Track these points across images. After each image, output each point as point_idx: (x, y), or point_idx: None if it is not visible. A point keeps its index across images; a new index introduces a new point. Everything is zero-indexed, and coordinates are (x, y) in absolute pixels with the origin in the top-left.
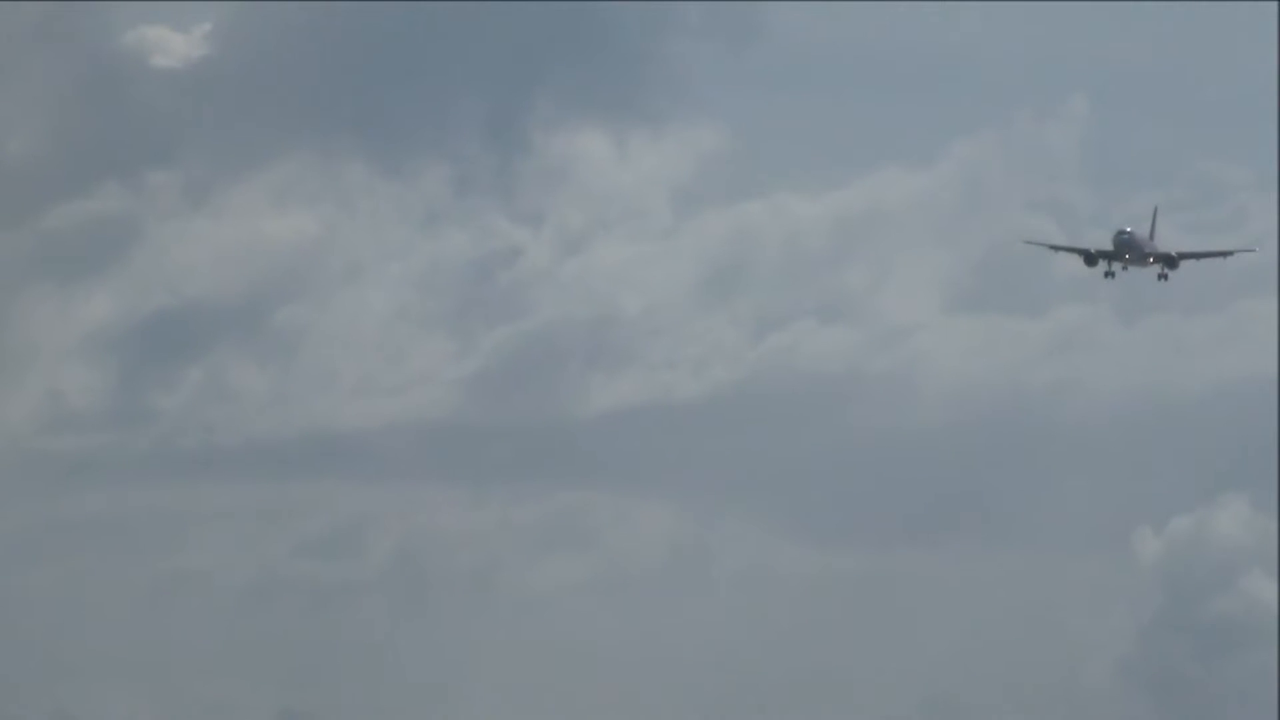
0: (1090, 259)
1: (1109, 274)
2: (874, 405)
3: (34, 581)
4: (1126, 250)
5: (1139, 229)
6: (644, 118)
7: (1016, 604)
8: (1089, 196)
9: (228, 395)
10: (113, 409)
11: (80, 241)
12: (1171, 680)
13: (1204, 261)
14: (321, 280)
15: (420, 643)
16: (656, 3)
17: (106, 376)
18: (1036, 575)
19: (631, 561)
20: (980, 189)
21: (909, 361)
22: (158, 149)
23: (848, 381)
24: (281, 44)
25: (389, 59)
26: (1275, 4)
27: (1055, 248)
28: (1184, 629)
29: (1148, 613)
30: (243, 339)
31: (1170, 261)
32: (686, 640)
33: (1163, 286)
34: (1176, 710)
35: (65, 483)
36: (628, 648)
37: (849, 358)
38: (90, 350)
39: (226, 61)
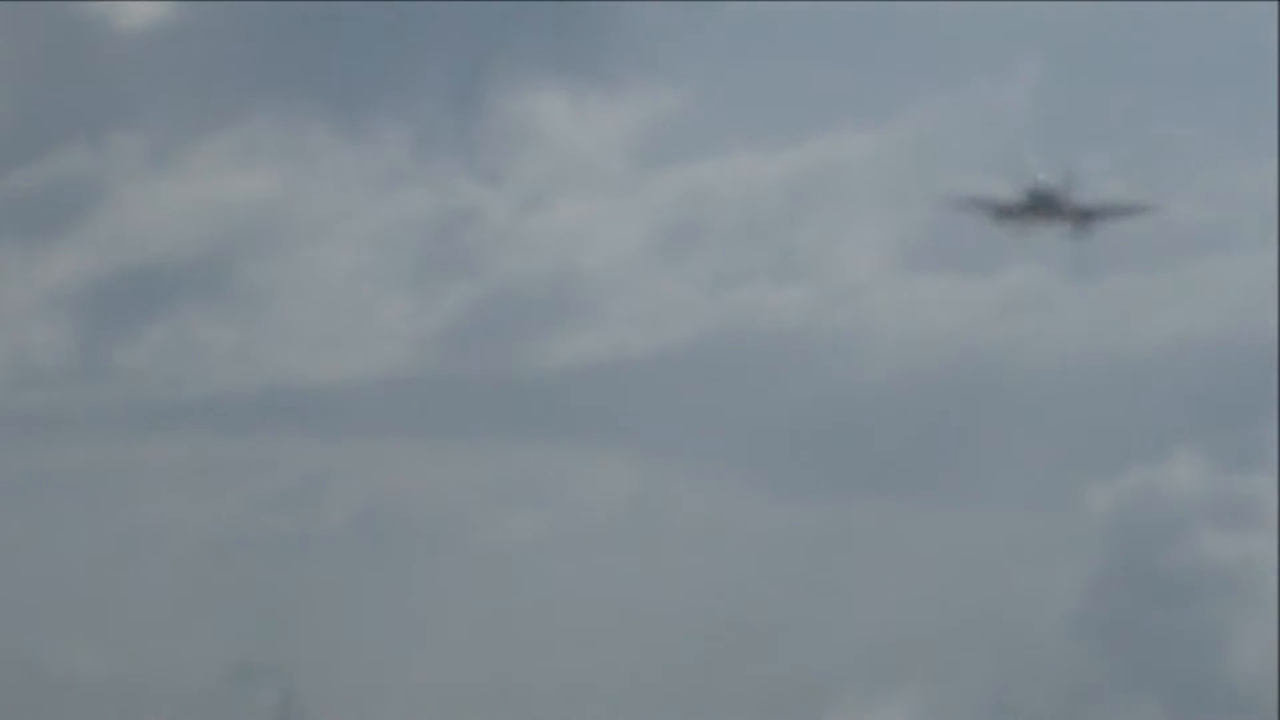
0: (1001, 214)
1: (1021, 230)
2: (830, 362)
3: None
4: (1038, 205)
5: (1054, 185)
6: (602, 78)
7: (969, 556)
8: (1042, 157)
9: (191, 351)
10: (77, 365)
11: (45, 201)
12: (1123, 631)
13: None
14: (284, 238)
15: (381, 597)
16: None
17: (71, 333)
18: (990, 528)
19: (592, 515)
20: (934, 149)
21: (864, 319)
22: (122, 109)
23: (804, 338)
24: (244, 5)
25: (350, 20)
26: None
27: (969, 202)
28: (1136, 581)
29: (1099, 565)
30: (206, 296)
31: (1083, 217)
32: (646, 593)
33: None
34: (1128, 661)
35: (30, 438)
36: (589, 601)
37: (805, 315)
38: (55, 307)
39: (189, 23)
